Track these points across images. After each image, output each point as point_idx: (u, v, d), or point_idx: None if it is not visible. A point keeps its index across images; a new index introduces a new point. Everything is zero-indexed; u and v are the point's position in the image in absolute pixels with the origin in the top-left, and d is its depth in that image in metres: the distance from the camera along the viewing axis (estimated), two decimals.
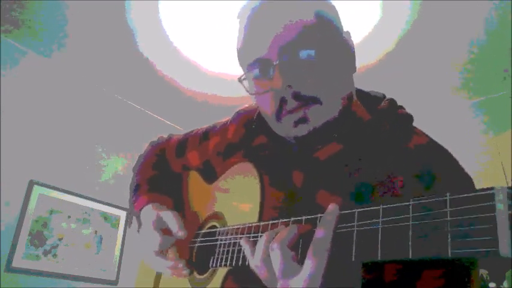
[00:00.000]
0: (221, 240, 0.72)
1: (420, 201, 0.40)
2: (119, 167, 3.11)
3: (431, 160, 0.58)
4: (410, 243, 0.39)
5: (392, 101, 0.70)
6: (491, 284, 2.28)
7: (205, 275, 0.76)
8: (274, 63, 0.63)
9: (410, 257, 0.39)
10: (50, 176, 2.68)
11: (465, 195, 0.36)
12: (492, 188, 0.34)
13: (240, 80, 0.70)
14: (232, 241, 0.68)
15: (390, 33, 2.43)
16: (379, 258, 0.42)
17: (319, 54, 0.62)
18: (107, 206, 2.94)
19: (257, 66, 0.66)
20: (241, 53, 0.70)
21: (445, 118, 3.01)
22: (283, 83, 0.61)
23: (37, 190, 2.60)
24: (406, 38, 2.44)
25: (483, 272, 2.31)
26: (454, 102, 3.03)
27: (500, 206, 0.33)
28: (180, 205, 0.94)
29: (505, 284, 2.23)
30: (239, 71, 0.72)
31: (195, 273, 0.81)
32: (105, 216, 2.93)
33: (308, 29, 0.63)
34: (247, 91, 0.71)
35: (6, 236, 2.39)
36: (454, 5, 2.16)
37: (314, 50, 0.62)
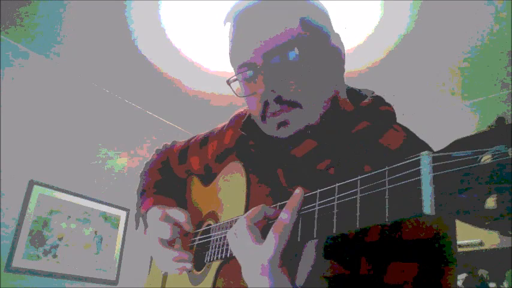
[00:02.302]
0: (213, 236, 0.76)
1: (366, 175, 0.44)
2: (119, 167, 3.11)
3: (406, 155, 0.59)
4: (357, 214, 0.43)
5: (376, 98, 0.72)
6: (491, 284, 2.28)
7: (201, 271, 0.80)
8: (259, 68, 0.65)
9: (357, 227, 0.43)
10: (50, 176, 2.69)
11: (399, 164, 0.40)
12: (419, 155, 0.37)
13: (228, 82, 0.73)
14: (222, 235, 0.71)
15: (389, 34, 2.43)
16: (334, 232, 0.47)
17: (304, 57, 0.64)
18: (107, 206, 2.95)
19: (244, 70, 0.69)
20: (231, 57, 0.74)
21: (444, 118, 3.01)
22: (266, 87, 0.64)
23: (37, 190, 2.60)
24: (405, 38, 2.44)
25: (483, 272, 2.31)
26: (453, 103, 3.03)
27: (425, 169, 0.36)
28: (183, 207, 0.97)
29: (505, 284, 2.23)
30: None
31: (194, 270, 0.83)
32: (105, 216, 2.93)
33: (293, 34, 0.65)
34: (235, 93, 0.74)
35: (6, 236, 2.40)
36: (453, 6, 2.16)
37: (298, 52, 0.64)
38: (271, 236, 0.52)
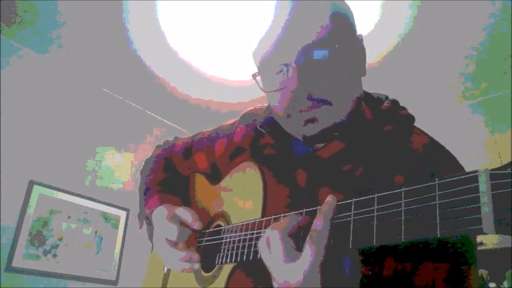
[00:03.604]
0: (226, 237, 0.74)
1: (412, 188, 0.42)
2: (119, 167, 3.11)
3: (432, 159, 0.61)
4: (402, 227, 0.42)
5: (394, 102, 0.73)
6: (491, 284, 2.28)
7: (211, 273, 0.77)
8: (292, 64, 0.65)
9: (402, 240, 0.41)
10: (50, 176, 2.68)
11: (452, 179, 0.39)
12: (476, 171, 0.36)
13: (254, 76, 0.72)
14: (237, 238, 0.70)
15: (390, 33, 2.43)
16: (374, 244, 0.44)
17: (333, 55, 0.65)
18: (107, 206, 2.94)
19: (274, 65, 0.68)
20: (261, 52, 0.72)
21: (445, 118, 3.01)
22: (299, 83, 0.64)
23: (37, 190, 2.60)
24: (405, 38, 2.44)
25: (483, 272, 2.31)
26: (454, 102, 3.03)
27: (483, 187, 0.35)
28: (188, 206, 0.94)
29: (505, 284, 2.24)
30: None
31: (201, 271, 0.82)
32: (105, 216, 2.93)
33: (326, 32, 0.65)
34: (260, 88, 0.73)
35: (6, 236, 2.39)
36: (453, 5, 2.16)
37: (328, 50, 0.64)
38: (307, 248, 0.50)
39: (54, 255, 2.59)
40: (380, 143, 0.66)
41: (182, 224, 0.84)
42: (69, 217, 2.73)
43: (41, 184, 2.62)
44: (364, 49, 0.73)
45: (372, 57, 2.58)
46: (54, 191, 2.69)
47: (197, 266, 0.80)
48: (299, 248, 0.53)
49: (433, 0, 2.15)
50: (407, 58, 2.63)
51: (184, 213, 0.84)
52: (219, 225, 0.81)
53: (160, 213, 0.87)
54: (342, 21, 0.68)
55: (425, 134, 0.67)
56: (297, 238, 0.54)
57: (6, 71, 2.60)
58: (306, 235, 0.52)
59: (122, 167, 3.12)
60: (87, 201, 2.84)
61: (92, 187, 2.90)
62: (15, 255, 2.40)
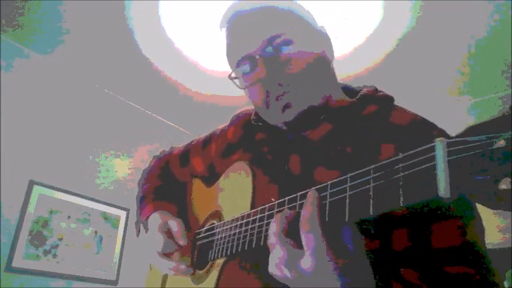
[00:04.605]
0: (217, 234, 0.77)
1: (379, 164, 0.44)
2: (119, 167, 3.11)
3: (419, 130, 0.65)
4: (371, 201, 0.44)
5: (373, 87, 0.77)
6: None
7: (204, 270, 0.80)
8: (257, 58, 0.70)
9: (371, 214, 0.43)
10: (50, 176, 2.69)
11: (412, 151, 0.40)
12: (434, 140, 0.38)
13: (230, 77, 0.78)
14: (227, 233, 0.72)
15: (390, 35, 2.44)
16: (346, 220, 0.47)
17: (297, 48, 0.70)
18: (107, 206, 2.94)
19: (243, 64, 0.74)
20: (229, 54, 0.78)
21: (444, 118, 3.01)
22: (267, 72, 0.69)
23: (37, 190, 2.60)
24: (405, 39, 2.45)
25: None
26: (453, 103, 3.04)
27: (440, 155, 0.36)
28: (184, 212, 0.98)
29: (505, 284, 2.23)
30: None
31: (196, 270, 0.84)
32: (105, 216, 2.93)
33: (285, 25, 0.71)
34: (238, 86, 0.78)
35: (6, 236, 2.40)
36: (453, 6, 2.17)
37: (292, 45, 0.70)
38: (304, 240, 0.49)
39: (54, 255, 2.59)
40: (365, 122, 0.70)
41: (170, 236, 0.86)
42: (69, 217, 2.73)
43: (41, 184, 2.63)
44: (328, 39, 0.79)
45: (372, 57, 2.58)
46: (54, 191, 2.69)
47: (188, 272, 0.83)
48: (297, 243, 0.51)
49: (433, 0, 2.15)
50: (407, 58, 2.63)
51: (174, 226, 0.87)
52: (213, 224, 0.83)
53: (154, 220, 0.91)
54: (300, 18, 0.75)
55: (407, 111, 0.71)
56: (292, 234, 0.52)
57: (7, 71, 2.60)
58: (297, 228, 0.51)
59: (122, 167, 3.12)
60: (87, 201, 2.84)
61: (92, 187, 2.90)
62: (15, 255, 2.41)
